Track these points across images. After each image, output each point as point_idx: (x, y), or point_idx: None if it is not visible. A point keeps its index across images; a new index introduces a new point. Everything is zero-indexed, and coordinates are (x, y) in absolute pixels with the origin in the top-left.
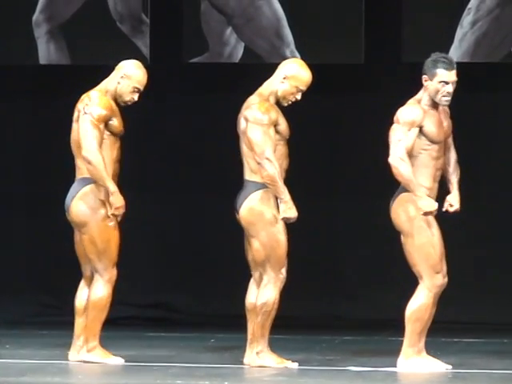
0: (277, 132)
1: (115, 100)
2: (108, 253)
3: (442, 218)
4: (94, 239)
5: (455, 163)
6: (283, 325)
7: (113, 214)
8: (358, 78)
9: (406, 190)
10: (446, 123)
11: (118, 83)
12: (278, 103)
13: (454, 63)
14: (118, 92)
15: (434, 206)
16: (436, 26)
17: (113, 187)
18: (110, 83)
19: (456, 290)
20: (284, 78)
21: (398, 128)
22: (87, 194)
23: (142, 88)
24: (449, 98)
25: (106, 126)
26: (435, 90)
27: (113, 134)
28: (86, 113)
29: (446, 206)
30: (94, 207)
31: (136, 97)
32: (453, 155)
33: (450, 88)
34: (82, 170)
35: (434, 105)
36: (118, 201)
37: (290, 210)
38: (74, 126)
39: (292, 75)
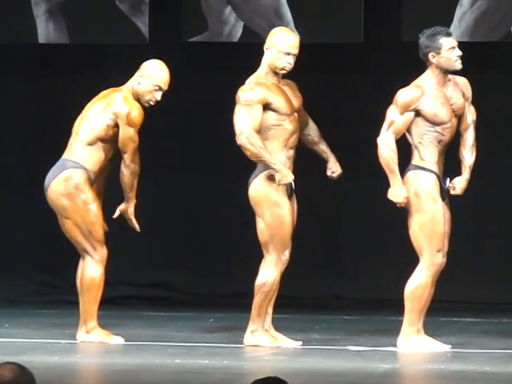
0: (273, 110)
1: (138, 100)
2: (94, 234)
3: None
4: (77, 223)
5: (471, 146)
6: (283, 304)
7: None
8: (358, 57)
9: (415, 168)
10: (458, 101)
11: (139, 83)
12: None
13: (449, 31)
14: (139, 92)
15: (403, 198)
16: (435, 4)
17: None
18: (132, 83)
19: (455, 269)
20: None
21: (393, 109)
22: (68, 177)
23: (163, 86)
24: (460, 61)
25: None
26: (447, 59)
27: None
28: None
29: (450, 186)
30: (74, 192)
31: (158, 96)
32: (470, 136)
33: (459, 51)
34: (71, 151)
35: (441, 82)
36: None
37: (285, 178)
38: (90, 113)
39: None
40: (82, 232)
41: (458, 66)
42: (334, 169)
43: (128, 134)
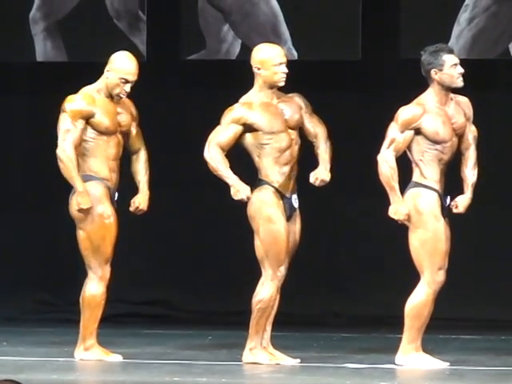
0: (256, 130)
1: (110, 96)
2: (102, 250)
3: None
4: (89, 235)
5: (473, 165)
6: (281, 322)
7: (79, 210)
8: (356, 75)
9: (417, 185)
10: (459, 120)
11: (107, 78)
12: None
13: (452, 48)
14: (108, 86)
15: (404, 214)
16: (433, 22)
17: (80, 187)
18: (100, 80)
19: (454, 286)
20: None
21: (393, 127)
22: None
23: (130, 78)
24: (462, 78)
25: (88, 123)
26: (450, 76)
27: (101, 132)
28: (63, 110)
29: (452, 204)
30: (92, 203)
31: (127, 88)
32: (471, 155)
33: (461, 69)
34: (81, 168)
35: (443, 101)
36: (83, 201)
37: (238, 193)
38: None
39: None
40: (91, 246)
41: (460, 83)
42: (317, 175)
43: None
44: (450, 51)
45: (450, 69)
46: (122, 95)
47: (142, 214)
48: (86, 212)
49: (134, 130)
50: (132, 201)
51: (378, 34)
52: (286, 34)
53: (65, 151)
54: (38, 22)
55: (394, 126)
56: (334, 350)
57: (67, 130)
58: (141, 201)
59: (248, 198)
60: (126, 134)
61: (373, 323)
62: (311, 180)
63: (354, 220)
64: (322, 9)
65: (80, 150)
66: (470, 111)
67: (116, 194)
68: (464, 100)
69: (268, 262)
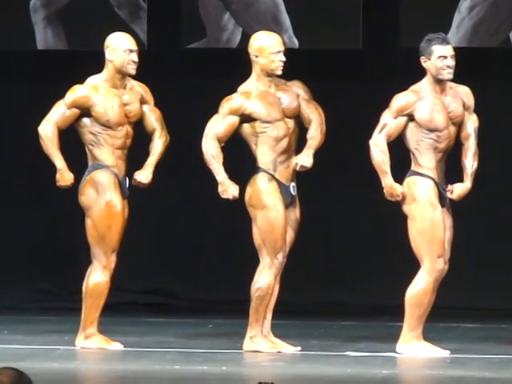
0: (254, 119)
1: (122, 74)
2: (107, 239)
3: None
4: (95, 223)
5: (473, 155)
6: (282, 310)
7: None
8: (356, 64)
9: (413, 174)
10: (456, 109)
11: (112, 61)
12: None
13: (448, 39)
14: (117, 66)
15: (399, 193)
16: (434, 11)
17: (59, 164)
18: (105, 69)
19: (454, 275)
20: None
21: (386, 113)
22: (94, 178)
23: (132, 47)
24: (450, 71)
25: (91, 116)
26: (435, 67)
27: (103, 125)
28: (63, 98)
29: (449, 189)
30: (99, 192)
31: (133, 57)
32: (471, 145)
33: (450, 61)
34: (91, 156)
35: (438, 89)
36: (61, 179)
37: (225, 192)
38: None
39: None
40: (97, 234)
41: (446, 75)
42: (297, 160)
43: None
44: (443, 42)
45: (436, 60)
46: (132, 68)
47: (143, 187)
48: (67, 186)
49: (146, 113)
50: (134, 174)
51: (378, 22)
52: (286, 22)
53: (43, 129)
54: (39, 11)
55: (387, 113)
56: (334, 339)
57: (54, 112)
58: (141, 176)
59: (234, 198)
60: (139, 120)
61: (373, 311)
62: (292, 165)
63: (353, 208)
64: None
65: (87, 143)
66: (469, 100)
67: (127, 182)
68: (464, 89)
69: (265, 249)
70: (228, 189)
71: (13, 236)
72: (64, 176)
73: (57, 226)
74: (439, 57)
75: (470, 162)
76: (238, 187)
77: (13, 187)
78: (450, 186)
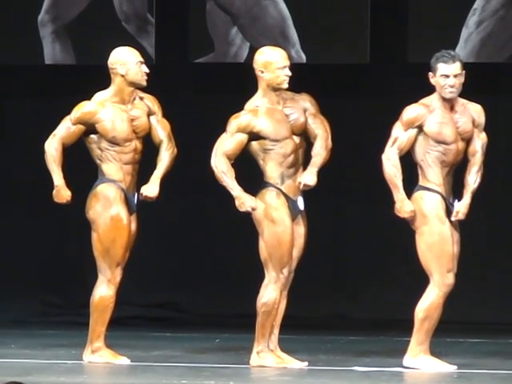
0: (262, 137)
1: (134, 86)
2: (112, 252)
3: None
4: (100, 237)
5: (476, 172)
6: (289, 325)
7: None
8: (364, 79)
9: (421, 188)
10: (464, 125)
11: (123, 75)
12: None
13: (455, 57)
14: (130, 81)
15: (408, 212)
16: (442, 26)
17: (57, 181)
18: (113, 85)
19: (461, 289)
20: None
21: (397, 126)
22: (100, 192)
23: (142, 59)
24: (453, 90)
25: (94, 132)
26: (438, 84)
27: (109, 141)
28: (70, 113)
29: (454, 215)
30: (105, 205)
31: (144, 68)
32: (476, 161)
33: (451, 81)
34: (100, 171)
35: (447, 105)
36: (57, 196)
37: (242, 205)
38: None
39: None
40: (102, 248)
41: (448, 94)
42: (301, 179)
43: None
44: (449, 60)
45: (439, 77)
46: (145, 79)
47: (150, 200)
48: (63, 203)
49: (153, 125)
50: (141, 189)
51: (386, 37)
52: (294, 37)
53: (48, 144)
54: (47, 25)
55: (398, 125)
56: (341, 353)
57: (61, 127)
58: (148, 190)
59: (253, 209)
60: (147, 134)
61: (380, 326)
62: (296, 184)
63: (361, 222)
64: (330, 12)
65: (96, 158)
66: (479, 118)
67: (135, 197)
68: (476, 107)
69: (271, 264)
70: (245, 202)
71: (21, 249)
72: (60, 193)
73: (65, 239)
74: (442, 75)
75: (472, 178)
76: (254, 199)
77: (21, 201)
78: (454, 212)
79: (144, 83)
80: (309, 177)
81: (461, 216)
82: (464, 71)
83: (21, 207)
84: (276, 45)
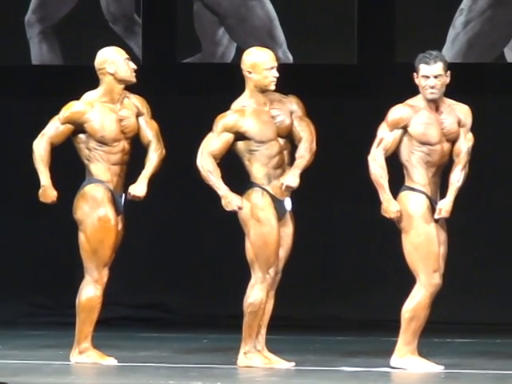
0: (248, 138)
1: (125, 83)
2: (99, 253)
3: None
4: (87, 237)
5: (460, 170)
6: (276, 325)
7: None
8: (351, 79)
9: (406, 189)
10: (449, 126)
11: (113, 74)
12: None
13: (438, 58)
14: (120, 78)
15: (394, 212)
16: (429, 26)
17: (43, 181)
18: (102, 85)
19: (449, 290)
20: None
21: (382, 126)
22: (87, 192)
23: (128, 56)
24: (433, 91)
25: (86, 132)
26: (420, 85)
27: (98, 141)
28: (58, 113)
29: (437, 212)
30: (92, 206)
31: (133, 65)
32: (461, 161)
33: (432, 82)
34: (87, 171)
35: (432, 105)
36: (43, 195)
37: (228, 204)
38: None
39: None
40: (90, 248)
41: (428, 95)
42: (283, 180)
43: None
44: (431, 61)
45: (420, 78)
46: (134, 75)
47: (138, 200)
48: (48, 203)
49: (142, 126)
50: (129, 188)
51: (373, 37)
52: (281, 37)
53: (36, 144)
54: (34, 25)
55: (384, 126)
56: (329, 354)
57: (49, 127)
58: (135, 190)
59: (240, 209)
60: (136, 135)
61: (368, 326)
62: (279, 185)
63: (348, 223)
64: (317, 12)
65: (84, 158)
66: (465, 119)
67: (123, 198)
68: (462, 108)
69: (258, 264)
70: (232, 201)
71: (9, 250)
72: (46, 192)
73: (54, 240)
74: (422, 76)
75: (456, 177)
76: (240, 198)
77: (10, 201)
78: (437, 210)
79: (134, 79)
80: (291, 178)
81: (444, 214)
82: (448, 72)
83: (10, 207)
84: (263, 45)
